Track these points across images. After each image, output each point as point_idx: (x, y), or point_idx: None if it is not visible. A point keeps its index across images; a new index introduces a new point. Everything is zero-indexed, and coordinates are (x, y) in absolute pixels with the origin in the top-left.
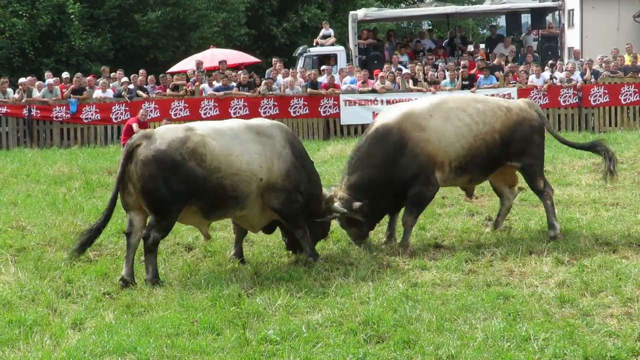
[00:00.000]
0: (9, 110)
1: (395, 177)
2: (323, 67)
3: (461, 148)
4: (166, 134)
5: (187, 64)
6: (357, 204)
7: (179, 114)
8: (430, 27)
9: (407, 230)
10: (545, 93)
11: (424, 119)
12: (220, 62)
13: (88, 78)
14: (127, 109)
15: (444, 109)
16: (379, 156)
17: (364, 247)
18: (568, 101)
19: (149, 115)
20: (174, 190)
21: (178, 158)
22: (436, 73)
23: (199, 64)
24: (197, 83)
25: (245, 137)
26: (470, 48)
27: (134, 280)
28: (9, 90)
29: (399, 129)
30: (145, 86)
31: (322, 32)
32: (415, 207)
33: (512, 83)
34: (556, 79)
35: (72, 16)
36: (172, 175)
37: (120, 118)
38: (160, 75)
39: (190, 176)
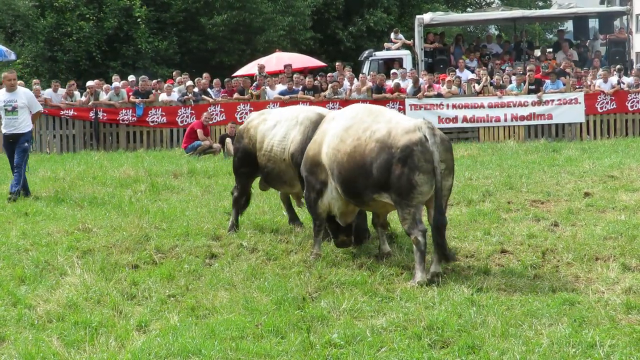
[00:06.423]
0: (76, 113)
1: None
2: (393, 70)
3: None
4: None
5: (252, 68)
6: None
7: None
8: (497, 32)
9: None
10: (613, 98)
11: None
12: (285, 66)
13: (154, 81)
14: (193, 112)
15: None
16: None
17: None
18: (636, 106)
19: (215, 119)
20: (239, 159)
21: (243, 136)
22: (502, 78)
23: (261, 68)
24: (260, 87)
25: (286, 124)
26: (537, 53)
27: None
28: (76, 93)
29: None
30: (209, 90)
31: (392, 35)
32: None
33: (579, 88)
34: (624, 84)
35: (138, 20)
36: (239, 146)
37: (185, 121)
38: (226, 79)
39: (244, 150)
